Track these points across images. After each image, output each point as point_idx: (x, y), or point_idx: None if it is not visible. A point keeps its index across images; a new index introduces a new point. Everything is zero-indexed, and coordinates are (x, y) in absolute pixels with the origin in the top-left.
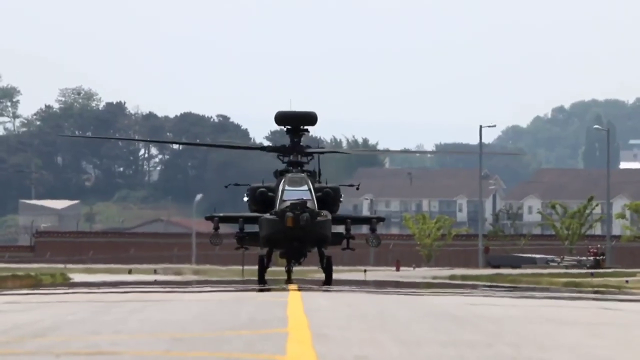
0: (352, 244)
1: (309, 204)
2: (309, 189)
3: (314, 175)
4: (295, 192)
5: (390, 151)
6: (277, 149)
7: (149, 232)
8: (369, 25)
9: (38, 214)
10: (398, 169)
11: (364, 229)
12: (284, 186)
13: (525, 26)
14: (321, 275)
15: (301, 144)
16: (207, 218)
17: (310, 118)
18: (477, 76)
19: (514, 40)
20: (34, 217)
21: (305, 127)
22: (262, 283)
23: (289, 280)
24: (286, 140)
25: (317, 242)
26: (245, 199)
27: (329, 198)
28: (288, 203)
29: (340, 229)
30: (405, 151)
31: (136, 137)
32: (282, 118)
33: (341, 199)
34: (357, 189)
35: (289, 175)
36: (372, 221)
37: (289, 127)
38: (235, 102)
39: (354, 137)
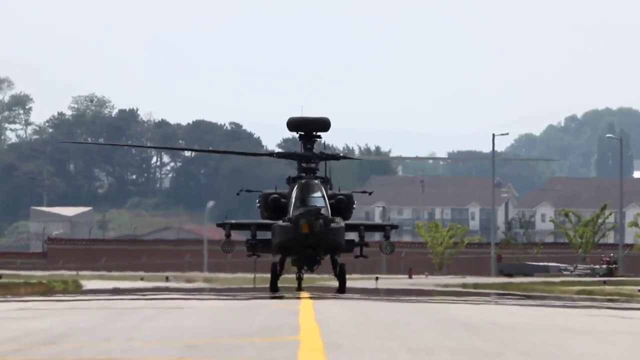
0: (364, 252)
1: (323, 211)
2: (323, 196)
3: (326, 182)
4: (309, 198)
5: (402, 157)
6: (289, 155)
7: (161, 240)
8: (381, 36)
9: (50, 220)
10: (410, 177)
11: (376, 236)
12: (297, 193)
13: (539, 36)
14: (332, 283)
15: (314, 150)
16: (219, 225)
17: (323, 124)
18: (490, 85)
19: (527, 50)
20: (46, 223)
21: (318, 133)
22: (275, 291)
23: (299, 288)
24: (299, 148)
25: (330, 250)
26: (258, 205)
27: (342, 205)
28: (302, 210)
29: (352, 236)
30: (418, 158)
31: (148, 145)
32: (294, 124)
33: (354, 206)
34: (370, 194)
35: (303, 181)
36: (385, 228)
37: (301, 133)
38: (248, 110)
39: (366, 145)
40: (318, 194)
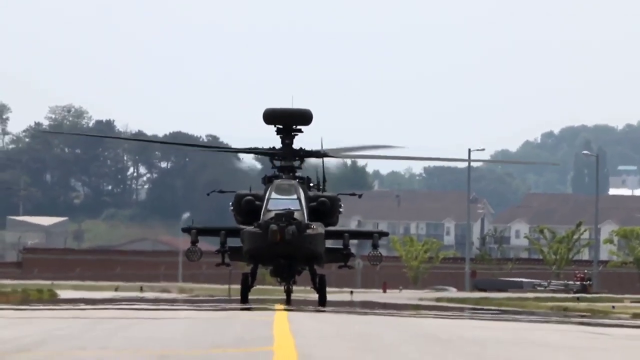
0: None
1: (296, 215)
2: (298, 198)
3: (307, 182)
4: (282, 201)
5: (381, 156)
6: (266, 152)
7: (136, 251)
8: (358, 50)
9: (25, 230)
10: (386, 191)
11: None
12: (270, 194)
13: (515, 51)
14: (310, 295)
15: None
16: (184, 230)
17: (304, 116)
18: (467, 100)
19: (504, 66)
20: (21, 233)
21: (299, 127)
22: (245, 302)
23: (288, 301)
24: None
25: (306, 260)
26: (231, 208)
27: (325, 208)
28: (273, 214)
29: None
30: (395, 157)
31: (125, 156)
32: (272, 116)
33: (341, 210)
34: (360, 197)
35: (277, 181)
36: (374, 236)
37: (279, 126)
38: (225, 122)
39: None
40: (293, 195)
